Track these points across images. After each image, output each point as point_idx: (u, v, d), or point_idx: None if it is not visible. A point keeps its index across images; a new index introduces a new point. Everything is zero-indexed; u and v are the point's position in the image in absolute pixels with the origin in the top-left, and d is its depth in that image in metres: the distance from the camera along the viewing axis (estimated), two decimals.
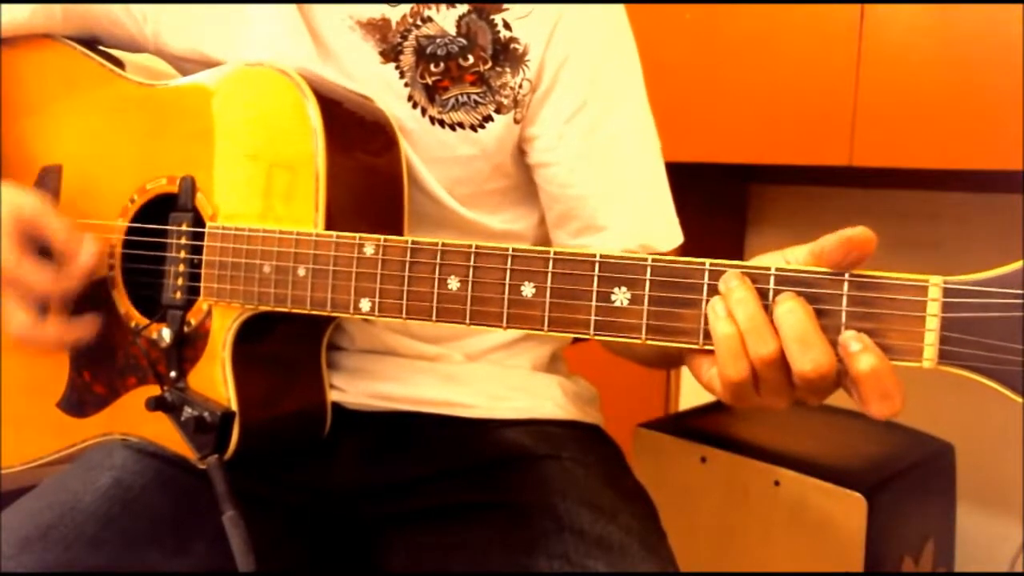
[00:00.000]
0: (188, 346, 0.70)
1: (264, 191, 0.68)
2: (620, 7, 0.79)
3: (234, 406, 0.67)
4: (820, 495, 1.26)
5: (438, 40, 0.74)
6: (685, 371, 1.87)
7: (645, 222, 0.79)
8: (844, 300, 0.49)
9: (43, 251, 0.72)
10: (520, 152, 0.79)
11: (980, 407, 1.53)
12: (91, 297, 0.76)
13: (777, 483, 1.30)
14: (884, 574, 1.28)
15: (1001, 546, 1.57)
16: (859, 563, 1.22)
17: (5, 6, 0.81)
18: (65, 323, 0.73)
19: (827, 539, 1.25)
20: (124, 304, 0.75)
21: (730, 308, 0.50)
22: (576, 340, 0.93)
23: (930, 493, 1.43)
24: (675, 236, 0.80)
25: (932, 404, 1.44)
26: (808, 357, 0.48)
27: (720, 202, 1.86)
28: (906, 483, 1.33)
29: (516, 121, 0.76)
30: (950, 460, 1.45)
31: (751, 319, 0.49)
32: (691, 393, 1.87)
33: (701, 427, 1.47)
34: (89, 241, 0.72)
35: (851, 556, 1.22)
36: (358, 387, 0.79)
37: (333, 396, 0.77)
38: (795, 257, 0.52)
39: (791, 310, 0.49)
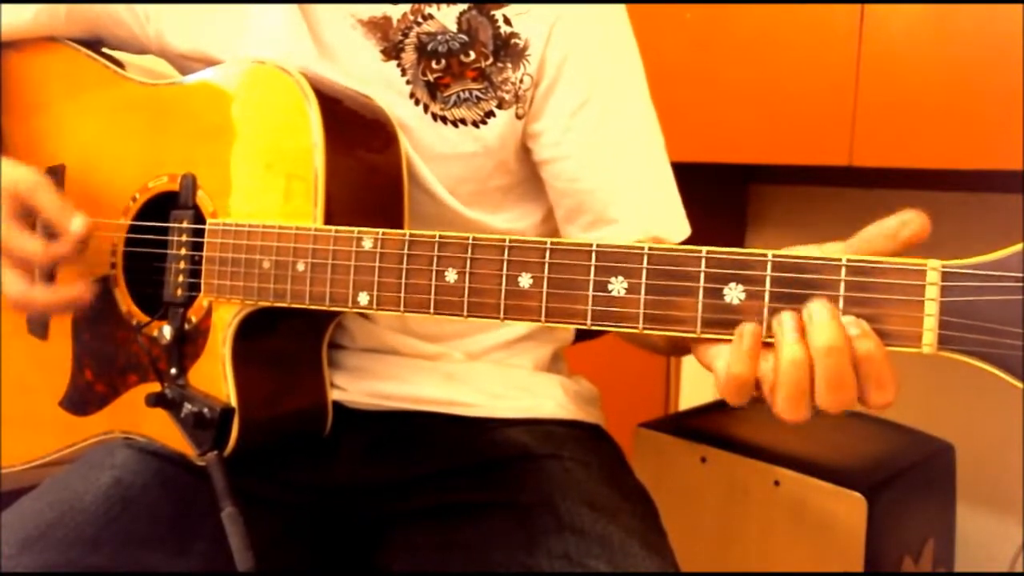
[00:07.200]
0: (189, 343, 0.70)
1: (264, 188, 0.68)
2: (620, 6, 0.79)
3: (234, 402, 0.67)
4: (820, 495, 1.26)
5: (439, 37, 0.74)
6: (685, 371, 1.86)
7: (655, 214, 0.79)
8: (841, 286, 0.48)
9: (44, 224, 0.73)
10: (525, 149, 0.79)
11: (980, 407, 1.53)
12: (93, 296, 0.76)
13: (777, 483, 1.30)
14: (884, 574, 1.27)
15: (1001, 546, 1.57)
16: (859, 563, 1.22)
17: (8, 8, 0.81)
18: (57, 289, 0.74)
19: (827, 539, 1.25)
20: (126, 302, 0.75)
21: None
22: (580, 335, 0.93)
23: (930, 493, 1.43)
24: (684, 228, 0.80)
25: (932, 404, 1.44)
26: (835, 398, 0.47)
27: (720, 202, 1.85)
28: (906, 483, 1.33)
29: (518, 116, 0.76)
30: (950, 460, 1.44)
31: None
32: (691, 393, 1.87)
33: (701, 427, 1.47)
34: (80, 214, 0.72)
35: (851, 556, 1.22)
36: (359, 386, 0.79)
37: (334, 395, 0.77)
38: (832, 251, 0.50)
39: (828, 353, 0.46)
